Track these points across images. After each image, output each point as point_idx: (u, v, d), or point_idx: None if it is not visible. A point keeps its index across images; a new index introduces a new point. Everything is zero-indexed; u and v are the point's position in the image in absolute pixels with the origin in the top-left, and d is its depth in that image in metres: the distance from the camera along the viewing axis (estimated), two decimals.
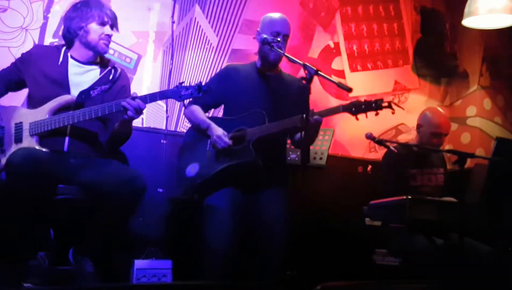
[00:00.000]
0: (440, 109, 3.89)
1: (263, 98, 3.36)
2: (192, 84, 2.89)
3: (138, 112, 2.91)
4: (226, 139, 3.21)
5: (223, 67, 3.80)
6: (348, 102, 3.01)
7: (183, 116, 4.02)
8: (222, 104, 3.52)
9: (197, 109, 3.42)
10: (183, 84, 2.90)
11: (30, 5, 3.99)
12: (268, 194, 3.28)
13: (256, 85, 3.41)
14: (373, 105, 2.91)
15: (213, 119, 3.39)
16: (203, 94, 2.88)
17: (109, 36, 3.13)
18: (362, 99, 2.97)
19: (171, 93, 2.91)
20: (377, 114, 2.92)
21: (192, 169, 3.29)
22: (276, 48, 3.22)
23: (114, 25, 3.15)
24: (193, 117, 3.42)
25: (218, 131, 3.25)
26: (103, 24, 3.10)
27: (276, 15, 3.42)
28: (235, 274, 3.17)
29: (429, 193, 3.66)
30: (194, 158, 3.32)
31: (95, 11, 3.08)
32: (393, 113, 2.92)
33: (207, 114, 3.52)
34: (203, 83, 2.89)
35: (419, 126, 3.83)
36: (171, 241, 3.78)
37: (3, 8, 3.92)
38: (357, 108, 2.96)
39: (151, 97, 2.92)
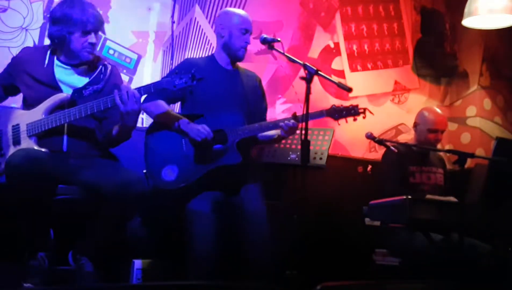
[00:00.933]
0: (437, 108, 3.97)
1: (228, 95, 3.30)
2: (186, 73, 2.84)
3: (130, 98, 2.83)
4: (209, 129, 3.10)
5: (181, 60, 3.69)
6: (329, 107, 3.19)
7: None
8: (181, 99, 3.36)
9: (162, 103, 3.25)
10: (176, 73, 2.86)
11: (30, 5, 3.99)
12: (245, 189, 3.24)
13: (220, 81, 3.32)
14: (351, 111, 3.16)
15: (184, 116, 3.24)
16: (197, 83, 2.84)
17: (93, 44, 3.02)
18: (341, 105, 3.19)
19: (165, 83, 2.85)
20: (355, 119, 3.17)
21: (170, 172, 3.14)
22: (276, 48, 3.22)
23: (99, 30, 3.04)
24: (158, 111, 3.22)
25: (197, 125, 3.13)
26: (86, 33, 2.99)
27: (241, 11, 3.40)
28: (227, 275, 3.15)
29: (429, 191, 3.68)
30: (168, 158, 3.17)
31: (78, 17, 2.95)
32: (364, 118, 3.15)
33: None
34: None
35: (416, 125, 3.90)
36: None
37: (3, 8, 3.93)
38: (339, 113, 3.18)
39: (145, 89, 2.88)
